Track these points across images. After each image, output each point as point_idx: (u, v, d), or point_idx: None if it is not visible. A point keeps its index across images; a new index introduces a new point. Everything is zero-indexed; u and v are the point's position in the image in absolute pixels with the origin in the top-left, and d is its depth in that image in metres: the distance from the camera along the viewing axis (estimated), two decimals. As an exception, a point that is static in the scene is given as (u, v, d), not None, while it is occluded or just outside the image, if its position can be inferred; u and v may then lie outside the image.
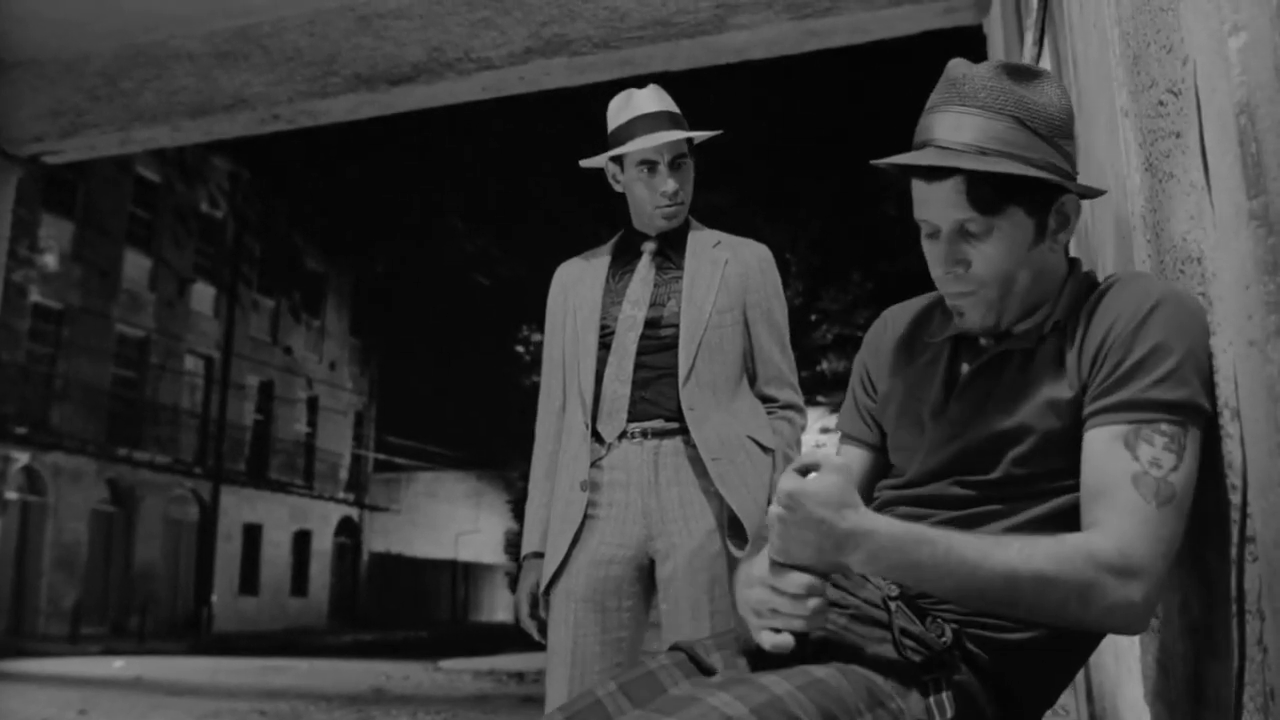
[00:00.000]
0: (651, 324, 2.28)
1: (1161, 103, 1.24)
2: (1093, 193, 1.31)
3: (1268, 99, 0.93)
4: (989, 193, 1.21)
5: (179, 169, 23.69)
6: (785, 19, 3.66)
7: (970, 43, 4.16)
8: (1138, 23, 1.33)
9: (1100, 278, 1.34)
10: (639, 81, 2.45)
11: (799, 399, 2.41)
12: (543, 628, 2.29)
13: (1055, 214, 1.27)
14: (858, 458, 1.46)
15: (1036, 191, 1.24)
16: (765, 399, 2.35)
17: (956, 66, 1.30)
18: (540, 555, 2.31)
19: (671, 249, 2.36)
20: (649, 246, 2.36)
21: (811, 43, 3.82)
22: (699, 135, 2.34)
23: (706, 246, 2.36)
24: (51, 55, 4.64)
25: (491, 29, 4.00)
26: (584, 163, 2.42)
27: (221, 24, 4.38)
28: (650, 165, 2.28)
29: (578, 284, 2.40)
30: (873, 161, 1.32)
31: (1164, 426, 1.13)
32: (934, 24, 3.81)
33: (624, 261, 2.39)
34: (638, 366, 2.25)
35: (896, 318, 1.48)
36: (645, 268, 2.34)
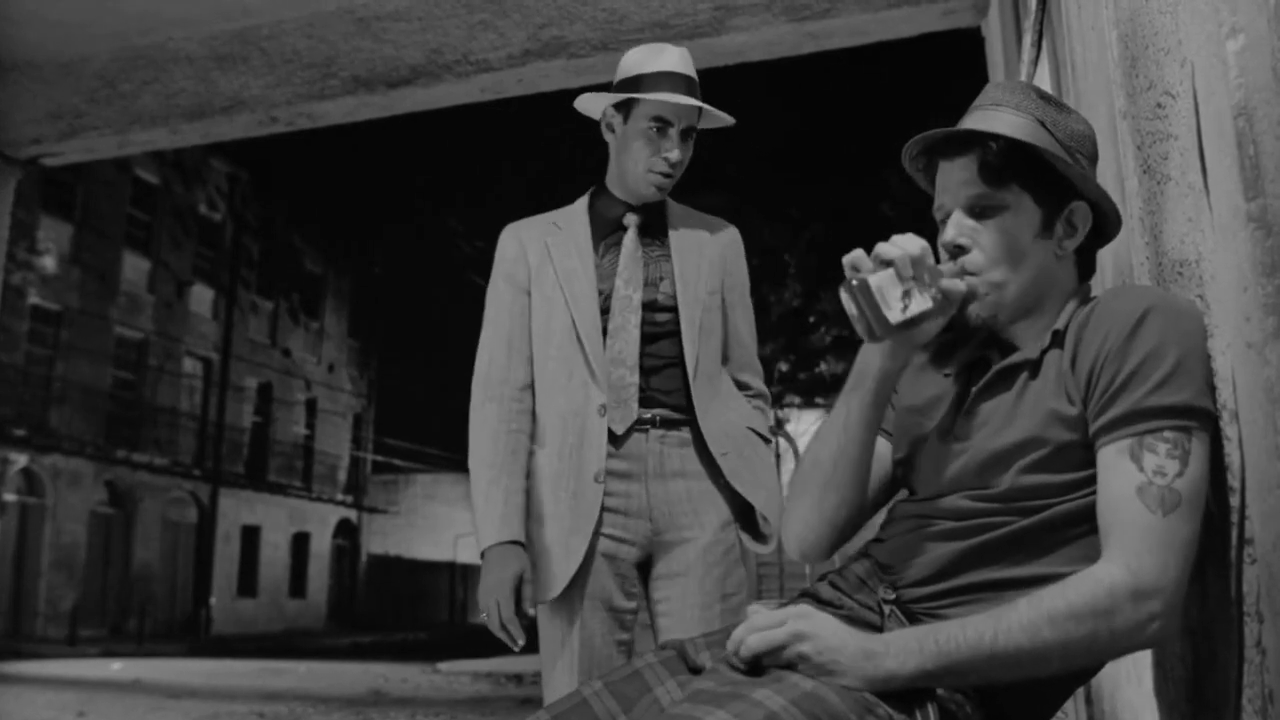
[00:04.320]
0: (648, 306, 2.15)
1: (1160, 105, 1.24)
2: (1104, 204, 1.30)
3: (1265, 101, 0.93)
4: (998, 164, 1.27)
5: (177, 171, 23.68)
6: (783, 21, 3.66)
7: (968, 45, 4.16)
8: (1136, 25, 1.33)
9: (1099, 284, 1.36)
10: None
11: (765, 388, 2.35)
12: (531, 629, 2.11)
13: (1064, 220, 1.30)
14: (888, 448, 1.47)
15: (1047, 183, 1.28)
16: (739, 385, 2.26)
17: (990, 85, 1.39)
18: (520, 544, 2.10)
19: (654, 223, 2.24)
20: (633, 219, 2.22)
21: (810, 45, 3.82)
22: (718, 114, 2.20)
23: (687, 223, 2.26)
24: (50, 57, 4.63)
25: (490, 31, 4.00)
26: (581, 99, 2.26)
27: (220, 26, 4.38)
28: (663, 125, 2.14)
29: (558, 252, 2.20)
30: (905, 145, 1.37)
31: (1167, 433, 1.12)
32: (932, 26, 3.82)
33: (604, 232, 2.23)
34: (643, 354, 2.13)
35: (924, 349, 1.49)
36: (631, 243, 2.20)
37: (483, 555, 2.14)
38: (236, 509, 25.48)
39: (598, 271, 2.18)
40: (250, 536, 26.06)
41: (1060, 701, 1.27)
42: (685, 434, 2.13)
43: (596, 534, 2.08)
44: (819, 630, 1.14)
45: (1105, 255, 1.73)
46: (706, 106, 2.16)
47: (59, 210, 20.30)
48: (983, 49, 4.05)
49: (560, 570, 2.08)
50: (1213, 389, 1.15)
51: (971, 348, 1.38)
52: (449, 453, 41.18)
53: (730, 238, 2.30)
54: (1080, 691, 2.82)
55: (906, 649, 1.12)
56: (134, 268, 22.60)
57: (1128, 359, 1.15)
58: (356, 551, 31.36)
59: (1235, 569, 1.07)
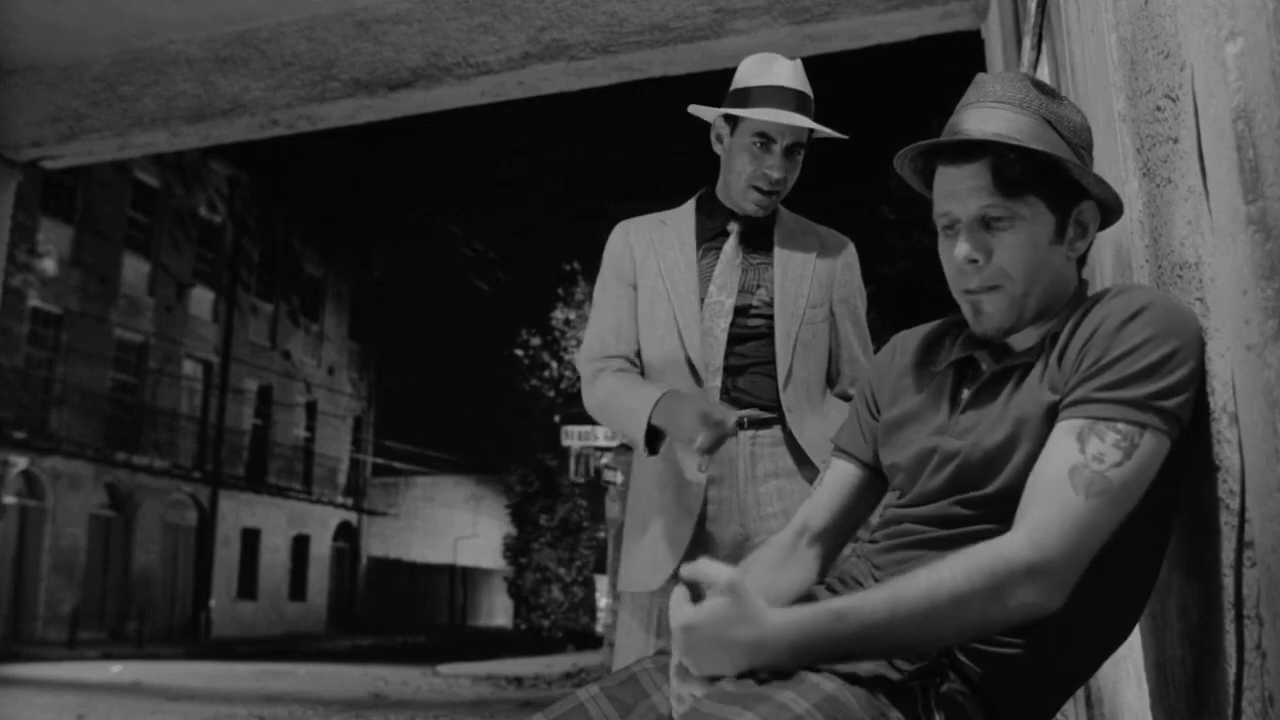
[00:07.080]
0: (740, 311, 2.14)
1: (1159, 108, 1.24)
2: (1112, 202, 1.30)
3: (1265, 104, 0.93)
4: (1014, 175, 1.22)
5: (178, 174, 23.70)
6: (783, 24, 3.67)
7: (969, 48, 4.16)
8: (1135, 28, 1.33)
9: (1099, 285, 1.35)
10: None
11: None
12: (717, 443, 1.96)
13: (1075, 221, 1.28)
14: (848, 473, 1.46)
15: (1059, 188, 1.25)
16: (849, 399, 2.22)
17: (984, 76, 1.33)
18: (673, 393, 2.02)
19: (759, 233, 2.21)
20: (735, 228, 2.20)
21: (809, 47, 3.82)
22: (824, 130, 2.16)
23: (795, 235, 2.23)
24: (50, 60, 4.64)
25: (490, 34, 4.01)
26: (694, 109, 2.24)
27: (220, 29, 4.39)
28: (765, 141, 2.11)
29: (663, 246, 2.21)
30: (902, 150, 1.33)
31: (1120, 425, 1.12)
32: (932, 29, 3.82)
33: (707, 237, 2.22)
34: (728, 354, 2.12)
35: (906, 343, 1.47)
36: (732, 250, 2.18)
37: (650, 426, 2.05)
38: (236, 511, 25.47)
39: (698, 270, 2.18)
40: (250, 539, 26.05)
41: (1060, 702, 1.27)
42: (777, 433, 2.11)
43: (701, 525, 2.06)
44: (749, 597, 1.11)
45: (1106, 258, 1.74)
46: (814, 125, 2.11)
47: (59, 213, 20.30)
48: (983, 52, 4.05)
49: (664, 560, 2.07)
50: (1199, 395, 1.14)
51: (960, 346, 1.36)
52: (449, 455, 41.21)
53: (844, 252, 2.27)
54: (1080, 693, 2.82)
55: (796, 626, 1.10)
56: (134, 270, 22.61)
57: (1111, 349, 1.15)
58: (356, 554, 31.35)
59: (1235, 572, 1.06)
